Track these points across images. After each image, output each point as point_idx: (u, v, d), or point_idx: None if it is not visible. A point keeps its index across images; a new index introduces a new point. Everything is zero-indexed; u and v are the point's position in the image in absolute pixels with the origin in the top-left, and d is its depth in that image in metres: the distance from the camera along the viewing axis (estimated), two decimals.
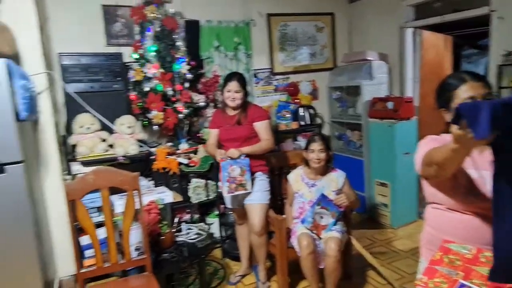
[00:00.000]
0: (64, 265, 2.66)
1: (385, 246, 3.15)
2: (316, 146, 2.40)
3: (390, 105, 3.42)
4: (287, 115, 3.77)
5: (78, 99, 2.78)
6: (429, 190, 1.34)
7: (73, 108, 2.85)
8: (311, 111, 3.91)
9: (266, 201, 2.50)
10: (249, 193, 2.44)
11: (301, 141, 3.83)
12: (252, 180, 2.45)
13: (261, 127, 2.48)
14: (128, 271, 2.28)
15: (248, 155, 2.38)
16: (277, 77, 4.03)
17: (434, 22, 3.46)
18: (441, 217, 1.32)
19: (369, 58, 3.73)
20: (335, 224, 2.34)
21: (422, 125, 3.51)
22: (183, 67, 2.99)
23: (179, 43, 3.06)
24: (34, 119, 2.38)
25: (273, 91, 4.01)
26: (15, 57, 2.25)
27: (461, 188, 1.23)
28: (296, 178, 2.53)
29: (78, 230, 1.97)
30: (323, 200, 2.35)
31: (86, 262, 2.37)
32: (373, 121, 3.58)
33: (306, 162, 2.50)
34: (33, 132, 2.46)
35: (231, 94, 2.45)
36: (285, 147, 3.82)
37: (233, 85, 2.45)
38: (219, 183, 2.45)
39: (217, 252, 3.05)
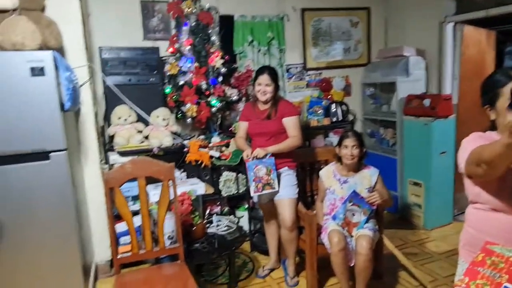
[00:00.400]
0: (101, 250, 2.78)
1: (418, 247, 3.07)
2: (350, 142, 2.37)
3: (427, 102, 3.31)
4: (318, 111, 3.74)
5: (117, 91, 2.87)
6: (473, 190, 1.29)
7: (111, 100, 2.96)
8: (343, 107, 3.85)
9: (294, 195, 2.50)
10: (276, 191, 2.45)
11: (333, 138, 3.79)
12: (279, 175, 2.45)
13: (290, 123, 2.46)
14: (161, 259, 2.35)
15: (273, 153, 2.39)
16: (310, 72, 4.00)
17: (477, 16, 3.30)
18: (484, 218, 1.27)
19: (405, 54, 3.62)
20: (366, 222, 2.31)
21: (460, 124, 3.38)
22: (217, 62, 3.02)
23: (214, 37, 3.10)
24: (76, 109, 2.49)
25: (305, 87, 3.98)
26: (60, 50, 2.36)
27: (507, 188, 1.18)
28: (328, 174, 2.51)
29: (114, 218, 2.05)
30: (355, 197, 2.32)
31: (121, 249, 2.46)
32: (408, 118, 3.48)
33: (339, 159, 2.47)
34: (75, 122, 2.58)
35: (262, 88, 2.45)
36: (316, 143, 3.79)
37: (264, 78, 2.44)
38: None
39: (246, 246, 3.08)
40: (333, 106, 3.80)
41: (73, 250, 2.22)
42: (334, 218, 2.35)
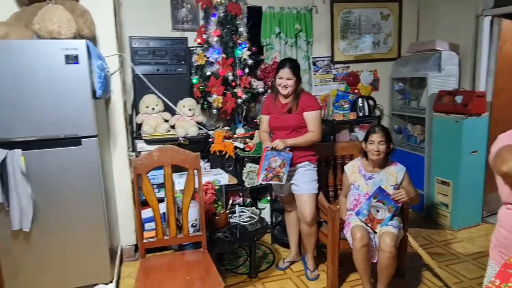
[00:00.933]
0: (126, 235, 2.87)
1: (443, 248, 2.99)
2: (376, 137, 2.32)
3: (459, 99, 3.20)
4: (345, 105, 3.67)
5: (145, 80, 2.93)
6: (505, 190, 1.25)
7: (139, 89, 3.02)
8: (371, 102, 3.77)
9: (314, 191, 2.49)
10: (290, 184, 2.48)
11: (358, 133, 3.73)
12: (298, 169, 2.46)
13: (310, 118, 2.42)
14: (183, 246, 2.40)
15: (292, 147, 2.37)
16: (337, 65, 3.93)
17: None
18: None
19: (438, 49, 3.50)
20: (391, 219, 2.27)
21: (494, 122, 3.25)
22: (244, 53, 3.02)
23: (242, 28, 3.10)
24: (106, 97, 2.56)
25: (332, 80, 3.92)
26: (92, 39, 2.42)
27: None
28: (353, 170, 2.48)
29: (139, 204, 2.10)
30: (380, 194, 2.28)
31: (146, 234, 2.52)
32: (438, 115, 3.38)
33: (364, 154, 2.43)
34: (104, 109, 2.65)
35: (283, 81, 2.41)
36: (341, 138, 3.74)
37: (285, 72, 2.40)
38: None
39: (267, 237, 3.09)
40: (360, 100, 3.73)
41: (101, 233, 2.29)
42: (357, 213, 2.32)
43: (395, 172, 2.39)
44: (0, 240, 2.10)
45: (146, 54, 3.05)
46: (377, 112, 3.97)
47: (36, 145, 2.07)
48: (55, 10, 2.04)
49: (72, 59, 2.08)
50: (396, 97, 4.03)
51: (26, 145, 2.04)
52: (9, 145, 2.01)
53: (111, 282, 2.35)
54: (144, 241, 2.03)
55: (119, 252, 2.77)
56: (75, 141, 2.13)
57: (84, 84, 2.11)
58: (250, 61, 3.05)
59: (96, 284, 2.32)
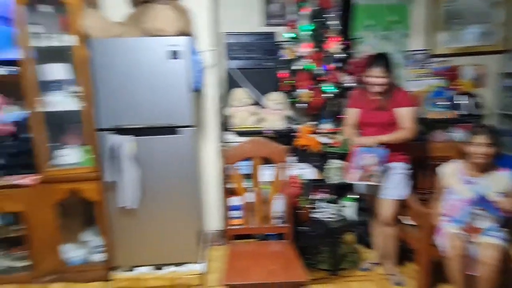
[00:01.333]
0: (212, 220, 3.05)
1: None
2: (482, 139, 2.10)
3: None
4: (442, 103, 3.39)
5: (238, 74, 3.05)
6: None
7: (230, 82, 3.16)
8: (473, 99, 3.41)
9: (403, 196, 2.35)
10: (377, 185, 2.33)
11: (457, 133, 3.41)
12: (391, 170, 2.32)
13: (405, 114, 2.28)
14: (267, 236, 2.48)
15: (387, 145, 2.24)
16: (435, 59, 3.63)
17: None
18: None
19: None
20: (494, 229, 2.05)
21: None
22: (334, 47, 2.96)
23: (333, 22, 3.03)
24: (201, 90, 2.74)
25: (429, 75, 3.63)
26: (191, 36, 2.59)
27: None
28: (451, 172, 2.28)
29: (226, 193, 2.22)
30: (482, 201, 2.07)
31: (231, 221, 2.66)
32: None
33: (465, 156, 2.22)
34: (198, 102, 2.83)
35: (374, 80, 2.29)
36: (435, 137, 3.46)
37: (377, 71, 2.27)
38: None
39: (350, 236, 3.02)
40: (461, 97, 3.40)
41: (192, 217, 2.48)
42: (455, 220, 2.14)
43: (503, 179, 2.14)
44: (113, 212, 2.40)
45: (238, 49, 3.17)
46: (482, 111, 3.57)
47: (143, 132, 2.31)
48: (162, 10, 2.23)
49: (174, 55, 2.26)
50: (505, 95, 3.58)
51: (135, 132, 2.29)
52: (122, 131, 2.28)
53: (199, 262, 2.53)
54: (232, 227, 2.14)
55: (205, 236, 2.96)
56: (174, 130, 2.33)
57: (183, 78, 2.29)
58: (340, 55, 2.98)
59: (186, 263, 2.52)
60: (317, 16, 3.01)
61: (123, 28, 2.36)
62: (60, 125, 2.58)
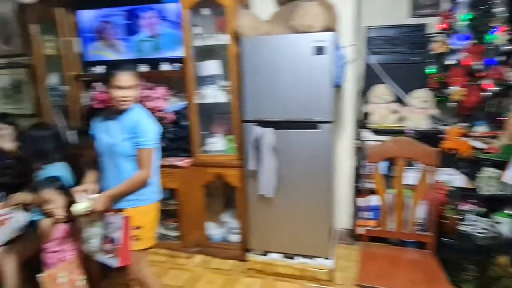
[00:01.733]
0: (342, 218, 3.01)
1: None
2: None
3: None
4: None
5: (379, 70, 2.92)
6: None
7: (370, 78, 3.03)
8: None
9: None
10: None
11: None
12: None
13: None
14: (403, 243, 2.32)
15: None
16: None
17: None
18: None
19: None
20: None
21: None
22: (499, 38, 2.56)
23: (498, 9, 2.62)
24: (341, 85, 2.71)
25: None
26: (335, 31, 2.58)
27: None
28: None
29: (357, 192, 2.14)
30: None
31: (362, 222, 2.58)
32: None
33: None
34: (337, 97, 2.81)
35: None
36: None
37: None
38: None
39: (505, 258, 2.59)
40: None
41: (324, 212, 2.49)
42: None
43: None
44: (251, 199, 2.59)
45: (380, 43, 3.02)
46: None
47: (283, 126, 2.41)
48: (311, 7, 2.27)
49: (319, 51, 2.28)
50: None
51: (276, 125, 2.41)
52: (264, 124, 2.42)
53: (329, 258, 2.52)
54: (366, 228, 2.07)
55: (335, 233, 2.94)
56: (314, 125, 2.36)
57: (326, 74, 2.29)
58: (506, 48, 2.56)
59: (315, 257, 2.55)
60: (478, 3, 2.64)
61: (271, 26, 2.49)
62: (210, 116, 2.89)
